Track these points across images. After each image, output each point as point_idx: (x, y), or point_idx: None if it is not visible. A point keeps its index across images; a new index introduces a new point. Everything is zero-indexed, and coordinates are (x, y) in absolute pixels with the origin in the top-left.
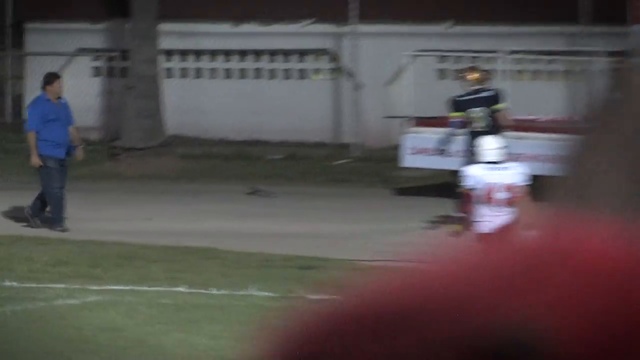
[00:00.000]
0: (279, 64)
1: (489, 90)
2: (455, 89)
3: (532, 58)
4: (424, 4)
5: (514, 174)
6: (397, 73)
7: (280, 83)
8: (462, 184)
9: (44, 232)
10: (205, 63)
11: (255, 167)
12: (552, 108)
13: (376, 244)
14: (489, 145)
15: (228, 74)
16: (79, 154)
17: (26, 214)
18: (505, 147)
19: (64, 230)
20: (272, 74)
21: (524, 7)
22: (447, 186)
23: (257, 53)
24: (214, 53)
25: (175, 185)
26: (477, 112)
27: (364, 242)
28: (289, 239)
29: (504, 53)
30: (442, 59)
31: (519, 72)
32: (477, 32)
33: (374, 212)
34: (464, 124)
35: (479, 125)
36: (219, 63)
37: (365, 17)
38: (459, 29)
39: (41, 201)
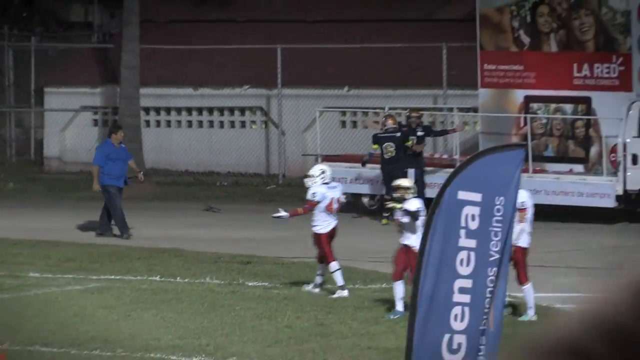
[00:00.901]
0: (226, 117)
1: (399, 131)
2: (354, 135)
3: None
4: (328, 74)
5: (339, 191)
6: (310, 123)
7: (227, 131)
8: (313, 198)
9: (55, 236)
10: (173, 116)
11: (209, 191)
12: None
13: (296, 246)
14: (321, 171)
15: (190, 124)
16: (140, 177)
17: (99, 234)
18: (329, 172)
19: (129, 237)
20: (221, 124)
21: (400, 75)
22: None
23: (210, 109)
24: (179, 109)
25: (151, 204)
26: (389, 145)
27: (287, 244)
28: (234, 242)
29: (387, 109)
30: (342, 113)
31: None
32: (367, 94)
33: (293, 223)
34: (380, 154)
35: (390, 155)
36: (183, 116)
37: (288, 83)
38: (353, 91)
39: (107, 217)
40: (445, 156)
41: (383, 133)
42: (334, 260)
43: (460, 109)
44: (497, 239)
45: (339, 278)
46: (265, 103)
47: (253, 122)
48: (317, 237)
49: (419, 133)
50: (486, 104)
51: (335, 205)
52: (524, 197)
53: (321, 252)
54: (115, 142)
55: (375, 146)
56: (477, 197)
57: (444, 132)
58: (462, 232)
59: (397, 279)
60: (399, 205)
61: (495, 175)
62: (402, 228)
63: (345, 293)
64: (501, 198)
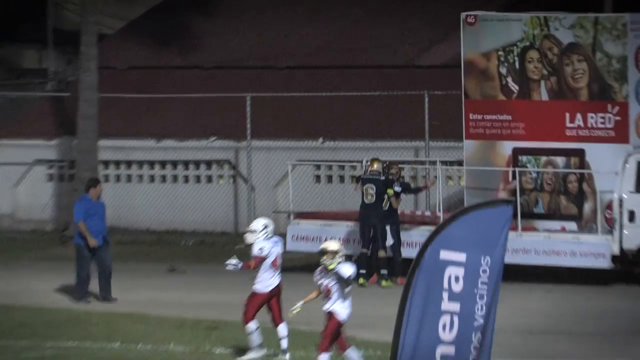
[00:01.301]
0: (191, 171)
1: (382, 176)
2: (329, 190)
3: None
4: (302, 124)
5: (281, 246)
6: (282, 178)
7: (192, 186)
8: (260, 253)
9: (8, 299)
10: (134, 170)
11: (173, 251)
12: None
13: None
14: (264, 225)
15: (152, 178)
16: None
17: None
18: (272, 226)
19: (88, 302)
20: (186, 178)
21: (379, 125)
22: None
23: (174, 163)
24: (141, 163)
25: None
26: (370, 187)
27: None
28: (199, 306)
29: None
30: (317, 167)
31: None
32: (344, 146)
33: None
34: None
35: (370, 200)
36: (145, 170)
37: (258, 134)
38: (329, 143)
39: (84, 280)
40: (427, 213)
41: (366, 174)
42: (251, 321)
43: (444, 162)
44: (482, 301)
45: (254, 339)
46: (233, 156)
47: (220, 176)
48: (253, 295)
49: (396, 189)
50: (472, 157)
51: (279, 261)
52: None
53: (246, 309)
54: (93, 196)
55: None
56: (461, 257)
57: (418, 190)
58: (445, 294)
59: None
60: (331, 266)
61: (481, 233)
62: (329, 293)
63: (255, 355)
64: (487, 258)
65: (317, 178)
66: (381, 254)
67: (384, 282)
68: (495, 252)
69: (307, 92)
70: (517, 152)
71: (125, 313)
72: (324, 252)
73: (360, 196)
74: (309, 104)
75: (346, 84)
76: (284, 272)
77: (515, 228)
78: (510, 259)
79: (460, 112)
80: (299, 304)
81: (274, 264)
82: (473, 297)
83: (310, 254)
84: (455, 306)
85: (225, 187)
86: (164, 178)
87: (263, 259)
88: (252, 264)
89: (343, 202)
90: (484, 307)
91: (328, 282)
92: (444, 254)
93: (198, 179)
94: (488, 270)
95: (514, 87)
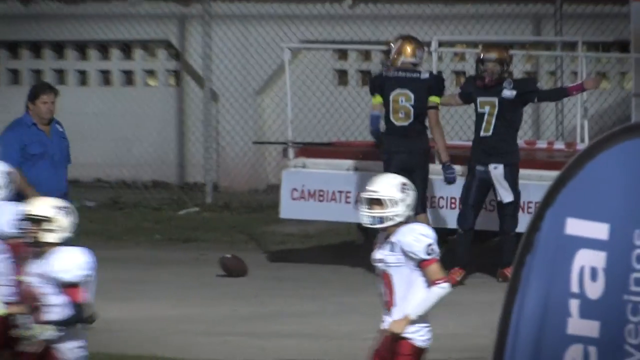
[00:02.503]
0: (94, 62)
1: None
2: (362, 97)
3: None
4: None
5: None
6: (271, 76)
7: (95, 91)
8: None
9: None
10: None
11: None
12: None
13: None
14: None
15: (14, 75)
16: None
17: None
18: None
19: None
20: (83, 78)
21: None
22: (343, 248)
23: (58, 45)
24: None
25: None
26: (402, 95)
27: (195, 324)
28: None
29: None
30: (341, 53)
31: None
32: (393, 13)
33: (232, 293)
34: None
35: (401, 121)
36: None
37: None
38: (363, 9)
39: None
40: (559, 145)
41: (392, 72)
42: None
43: (589, 45)
44: (637, 318)
45: None
46: (176, 32)
47: (150, 73)
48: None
49: (507, 92)
50: None
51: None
52: None
53: None
54: (37, 118)
55: (377, 99)
56: (601, 231)
57: (560, 93)
58: (574, 305)
59: None
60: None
61: (638, 183)
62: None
63: None
64: None
65: (341, 76)
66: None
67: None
68: None
69: None
70: None
71: None
72: (376, 202)
73: (385, 116)
74: None
75: None
76: (276, 265)
77: None
78: None
79: None
80: None
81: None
82: (620, 310)
83: (329, 226)
84: (592, 327)
85: (159, 93)
86: (38, 74)
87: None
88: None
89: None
90: None
91: (390, 265)
92: (573, 226)
93: (106, 77)
94: None
95: None
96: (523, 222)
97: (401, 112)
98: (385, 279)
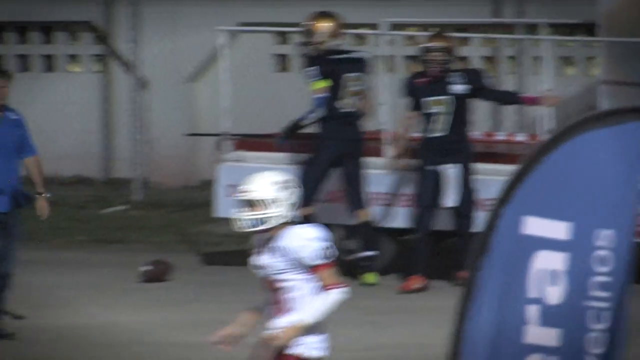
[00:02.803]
0: (9, 46)
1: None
2: (305, 84)
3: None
4: None
5: None
6: (205, 62)
7: (20, 79)
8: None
9: None
10: None
11: None
12: None
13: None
14: None
15: None
16: (41, 205)
17: None
18: None
19: None
20: (0, 62)
21: None
22: None
23: None
24: None
25: None
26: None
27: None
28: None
29: (383, 28)
30: (281, 37)
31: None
32: None
33: (163, 300)
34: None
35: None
36: None
37: None
38: None
39: None
40: (503, 137)
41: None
42: None
43: (553, 27)
44: (598, 325)
45: None
46: (101, 13)
47: (72, 58)
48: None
49: (459, 87)
50: (617, 14)
51: None
52: None
53: None
54: None
55: (323, 83)
56: (561, 230)
57: (510, 98)
58: (534, 311)
59: None
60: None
61: (598, 181)
62: (279, 302)
63: None
64: (608, 232)
65: (282, 61)
66: (363, 215)
67: (367, 277)
68: (624, 218)
69: None
70: None
71: None
72: (250, 204)
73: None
74: None
75: None
76: (211, 269)
77: None
78: None
79: None
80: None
81: None
82: (580, 317)
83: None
84: (552, 336)
85: (82, 80)
86: None
87: None
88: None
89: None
90: (603, 338)
91: (276, 272)
92: (531, 225)
93: (24, 63)
94: (612, 258)
95: None
96: (480, 221)
97: (352, 97)
98: (270, 285)
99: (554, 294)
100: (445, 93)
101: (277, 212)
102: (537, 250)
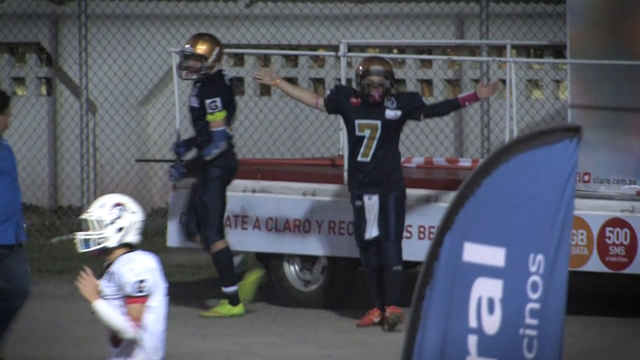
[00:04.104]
0: None
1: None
2: (260, 108)
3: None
4: None
5: None
6: (157, 85)
7: None
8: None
9: None
10: None
11: None
12: None
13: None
14: None
15: None
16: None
17: None
18: None
19: None
20: None
21: None
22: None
23: None
24: None
25: None
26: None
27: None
28: None
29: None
30: (237, 58)
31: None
32: (295, 13)
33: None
34: None
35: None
36: None
37: None
38: (262, 8)
39: None
40: (467, 163)
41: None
42: None
43: (519, 48)
44: (530, 354)
45: None
46: (48, 34)
47: (18, 81)
48: None
49: (390, 113)
50: (586, 36)
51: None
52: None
53: None
54: None
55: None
56: (497, 257)
57: (449, 105)
58: (472, 339)
59: None
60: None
61: (529, 204)
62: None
63: None
64: (539, 257)
65: (237, 84)
66: (218, 245)
67: (219, 308)
68: (553, 243)
69: None
70: None
71: None
72: (88, 224)
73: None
74: None
75: None
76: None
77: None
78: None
79: None
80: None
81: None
82: (517, 346)
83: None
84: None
85: (29, 104)
86: None
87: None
88: None
89: (299, 141)
90: (533, 345)
91: (109, 297)
92: (471, 252)
93: None
94: (540, 285)
95: None
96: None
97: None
98: None
99: (492, 323)
100: (376, 118)
101: (106, 234)
102: (476, 277)
